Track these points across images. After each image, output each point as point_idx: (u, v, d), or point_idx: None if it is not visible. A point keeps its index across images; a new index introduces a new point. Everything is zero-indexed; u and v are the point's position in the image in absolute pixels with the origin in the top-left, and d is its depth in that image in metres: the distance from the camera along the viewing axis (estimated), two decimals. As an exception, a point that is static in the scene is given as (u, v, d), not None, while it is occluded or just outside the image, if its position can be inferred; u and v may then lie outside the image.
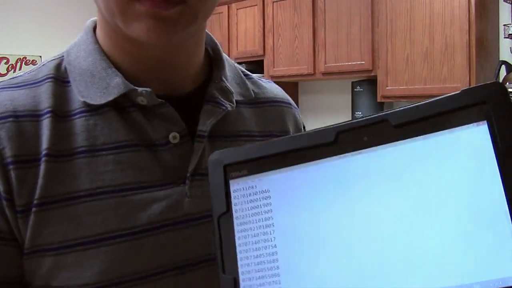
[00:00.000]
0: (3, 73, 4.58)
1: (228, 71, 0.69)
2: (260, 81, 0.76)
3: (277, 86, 0.79)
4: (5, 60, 4.58)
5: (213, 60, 0.69)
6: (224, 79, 0.66)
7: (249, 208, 0.50)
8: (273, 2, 4.10)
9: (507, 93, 0.43)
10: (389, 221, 0.45)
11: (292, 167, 0.49)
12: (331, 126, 0.48)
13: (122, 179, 0.57)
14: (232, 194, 0.50)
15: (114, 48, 0.62)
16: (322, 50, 3.79)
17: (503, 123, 0.43)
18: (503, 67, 3.03)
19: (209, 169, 0.51)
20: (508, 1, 3.17)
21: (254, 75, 0.77)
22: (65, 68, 0.62)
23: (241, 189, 0.50)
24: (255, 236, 0.49)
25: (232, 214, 0.50)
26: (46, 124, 0.57)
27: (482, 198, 0.42)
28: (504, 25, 3.17)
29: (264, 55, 4.19)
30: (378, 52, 3.48)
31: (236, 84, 0.70)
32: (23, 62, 4.65)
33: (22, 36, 4.56)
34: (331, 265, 0.46)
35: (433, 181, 0.44)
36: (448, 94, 0.44)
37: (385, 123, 0.46)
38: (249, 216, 0.50)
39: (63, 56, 0.64)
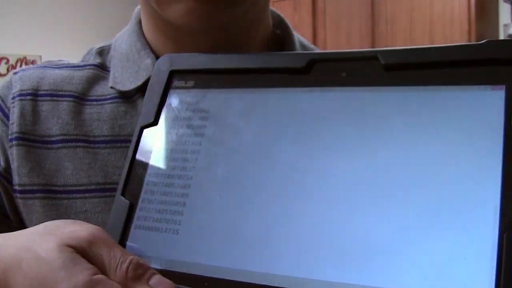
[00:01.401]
0: (3, 73, 4.57)
1: None
2: None
3: None
4: (5, 60, 4.57)
5: (284, 45, 0.58)
6: None
7: (180, 126, 0.41)
8: (273, 2, 4.10)
9: None
10: (345, 182, 0.34)
11: (245, 89, 0.40)
12: (307, 52, 0.38)
13: None
14: (166, 107, 0.42)
15: (155, 35, 0.55)
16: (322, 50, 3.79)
17: None
18: (503, 67, 3.03)
19: (154, 71, 0.44)
20: (508, 1, 3.17)
21: None
22: (110, 56, 0.58)
23: (179, 102, 0.42)
24: (174, 160, 0.40)
25: (158, 129, 0.42)
26: (64, 108, 0.54)
27: (473, 177, 0.32)
28: (504, 25, 3.17)
29: (264, 55, 4.18)
30: (378, 52, 3.48)
31: None
32: (23, 62, 4.64)
33: (22, 36, 4.55)
34: (251, 222, 0.36)
35: (415, 147, 0.34)
36: (465, 43, 0.35)
37: (373, 61, 0.37)
38: (176, 136, 0.41)
39: (111, 43, 0.59)
